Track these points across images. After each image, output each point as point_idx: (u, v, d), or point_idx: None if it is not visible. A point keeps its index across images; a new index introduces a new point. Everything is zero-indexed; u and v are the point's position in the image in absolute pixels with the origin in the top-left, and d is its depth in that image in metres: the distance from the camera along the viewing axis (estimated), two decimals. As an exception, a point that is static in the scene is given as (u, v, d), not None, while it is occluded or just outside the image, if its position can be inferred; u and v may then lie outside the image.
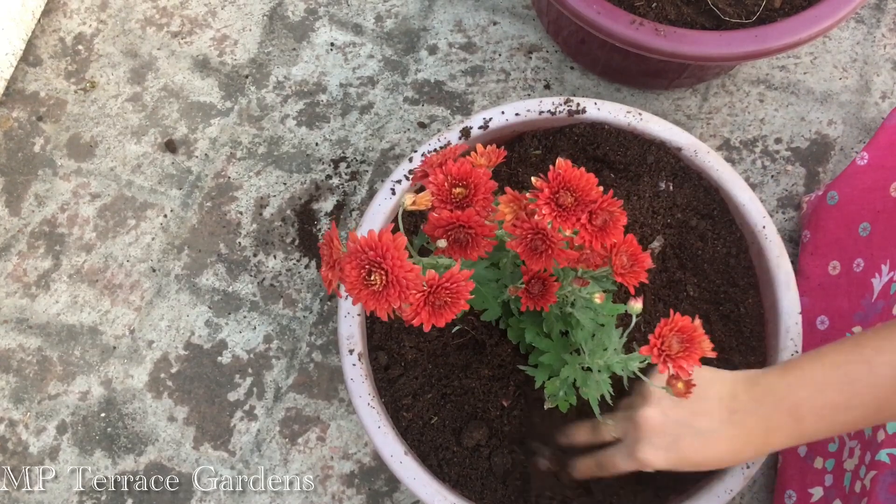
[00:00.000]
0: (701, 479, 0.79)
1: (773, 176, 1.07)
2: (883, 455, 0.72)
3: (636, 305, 0.64)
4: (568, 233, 0.58)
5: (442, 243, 0.59)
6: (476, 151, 0.64)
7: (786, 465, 0.91)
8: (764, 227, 0.83)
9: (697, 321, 0.60)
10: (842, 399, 0.65)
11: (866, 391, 0.65)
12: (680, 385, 0.63)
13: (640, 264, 0.63)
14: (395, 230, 0.54)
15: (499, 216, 0.61)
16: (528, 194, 0.60)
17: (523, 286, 0.66)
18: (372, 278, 0.53)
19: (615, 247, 0.61)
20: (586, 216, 0.57)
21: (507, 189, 0.62)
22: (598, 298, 0.66)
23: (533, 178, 0.58)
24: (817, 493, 0.84)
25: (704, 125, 1.09)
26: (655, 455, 0.69)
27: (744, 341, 0.84)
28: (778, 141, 1.09)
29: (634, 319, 0.65)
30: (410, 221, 0.86)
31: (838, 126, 1.09)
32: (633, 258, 0.63)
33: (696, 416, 0.69)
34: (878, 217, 0.89)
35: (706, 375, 0.71)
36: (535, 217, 0.58)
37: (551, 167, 0.57)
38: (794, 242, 1.03)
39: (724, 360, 0.83)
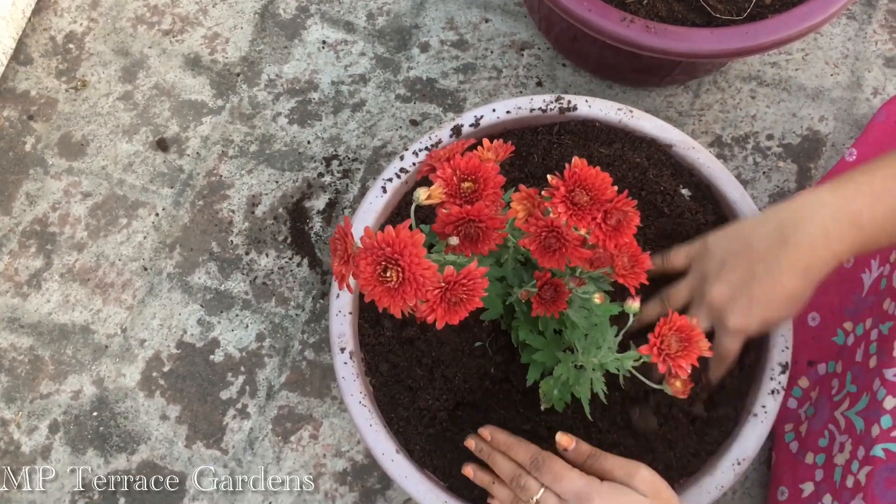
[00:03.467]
0: (693, 472, 0.79)
1: (764, 172, 1.07)
2: (878, 450, 0.72)
3: (634, 305, 0.64)
4: (582, 232, 0.58)
5: (454, 240, 0.59)
6: (483, 146, 0.64)
7: (778, 461, 0.91)
8: (755, 223, 0.84)
9: (695, 320, 0.60)
10: None
11: None
12: (678, 384, 0.63)
13: (641, 265, 0.63)
14: (410, 227, 0.54)
15: (511, 213, 0.61)
16: (543, 192, 0.60)
17: (535, 291, 0.66)
18: (388, 275, 0.53)
19: (621, 247, 0.61)
20: (601, 215, 0.57)
21: (521, 186, 0.62)
22: (597, 299, 0.66)
23: (549, 176, 0.58)
24: (808, 488, 0.84)
25: (696, 122, 1.09)
26: (743, 320, 0.73)
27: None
28: (770, 137, 1.09)
29: (631, 318, 0.65)
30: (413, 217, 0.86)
31: (830, 122, 1.10)
32: (633, 259, 0.63)
33: (753, 265, 0.72)
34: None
35: (743, 225, 0.76)
36: (550, 215, 0.58)
37: (567, 165, 0.57)
38: (785, 239, 1.03)
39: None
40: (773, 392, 0.78)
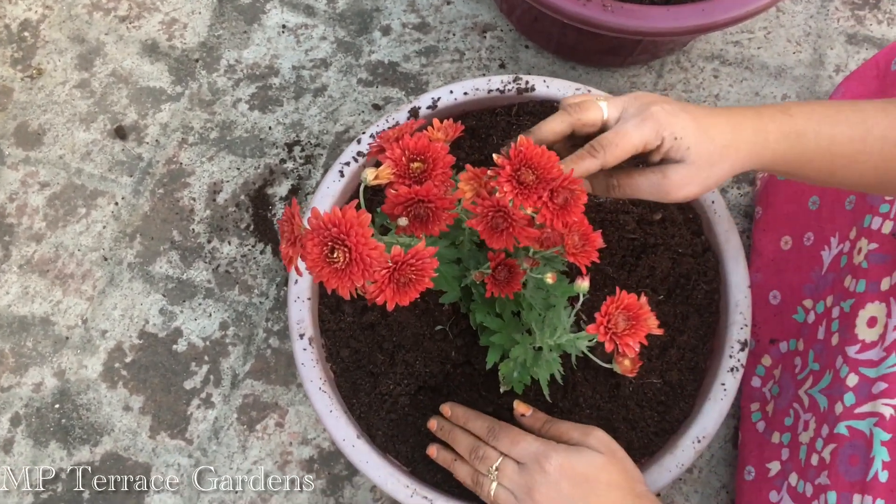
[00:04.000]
0: (654, 451, 0.80)
1: (728, 151, 1.07)
2: (842, 428, 0.72)
3: (583, 284, 0.64)
4: (529, 211, 0.58)
5: (403, 221, 0.58)
6: (433, 126, 0.63)
7: (745, 441, 0.92)
8: (713, 201, 0.84)
9: (643, 299, 0.59)
10: (830, 113, 0.65)
11: (853, 116, 0.65)
12: (627, 362, 0.63)
13: (592, 244, 0.63)
14: (358, 207, 0.53)
15: (458, 194, 0.60)
16: (489, 171, 0.59)
17: (489, 272, 0.65)
18: (334, 255, 0.52)
19: (570, 226, 0.61)
20: (548, 194, 0.56)
21: (468, 166, 0.61)
22: (549, 279, 0.65)
23: (494, 155, 0.57)
24: (774, 467, 0.85)
25: (659, 102, 1.09)
26: (656, 120, 0.62)
27: (698, 315, 0.84)
28: (732, 116, 1.09)
29: (581, 298, 0.65)
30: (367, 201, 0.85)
31: (792, 100, 1.10)
32: (584, 238, 0.63)
33: (688, 106, 0.65)
34: (826, 190, 0.90)
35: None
36: (497, 195, 0.57)
37: (512, 144, 0.57)
38: (749, 217, 1.04)
39: (678, 331, 0.83)
40: (732, 370, 0.79)
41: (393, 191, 0.59)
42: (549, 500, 0.67)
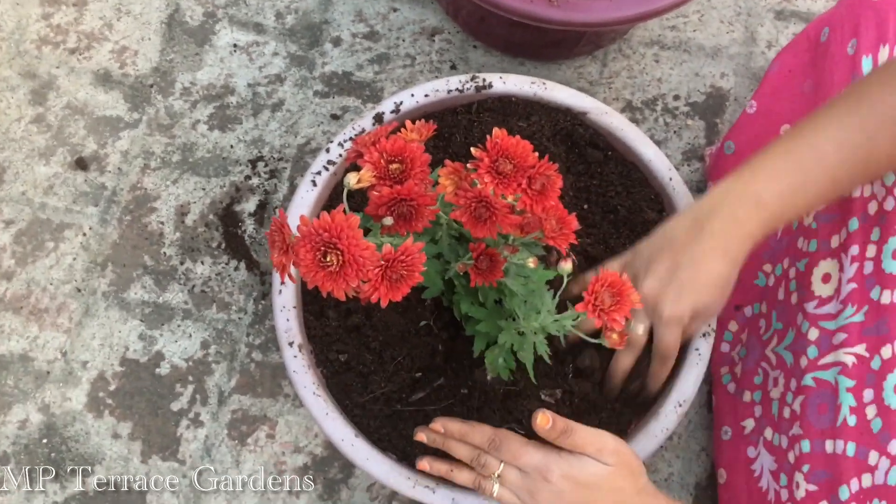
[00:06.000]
0: (638, 419, 0.83)
1: (675, 131, 1.12)
2: (808, 379, 0.76)
3: (566, 266, 0.67)
4: (510, 199, 0.61)
5: (388, 221, 0.61)
6: (406, 127, 0.66)
7: (719, 403, 0.96)
8: (671, 178, 0.88)
9: (625, 276, 0.63)
10: (797, 181, 0.72)
11: (817, 170, 0.71)
12: (615, 336, 0.66)
13: (569, 227, 0.66)
14: (344, 211, 0.55)
15: (439, 189, 0.63)
16: (468, 164, 0.62)
17: (472, 262, 0.68)
18: (328, 259, 0.54)
19: (548, 210, 0.64)
20: (526, 181, 0.60)
21: (447, 161, 0.64)
22: (531, 263, 0.68)
23: (472, 149, 0.60)
24: (749, 424, 0.89)
25: (606, 89, 1.14)
26: (675, 307, 0.75)
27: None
28: (676, 98, 1.14)
29: (565, 279, 0.68)
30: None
31: (730, 78, 1.15)
32: (561, 221, 0.66)
33: (676, 256, 0.75)
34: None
35: (664, 226, 0.78)
36: (477, 186, 0.60)
37: (488, 137, 0.59)
38: (702, 192, 1.09)
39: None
40: (704, 335, 0.83)
41: (376, 192, 0.61)
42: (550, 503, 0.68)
